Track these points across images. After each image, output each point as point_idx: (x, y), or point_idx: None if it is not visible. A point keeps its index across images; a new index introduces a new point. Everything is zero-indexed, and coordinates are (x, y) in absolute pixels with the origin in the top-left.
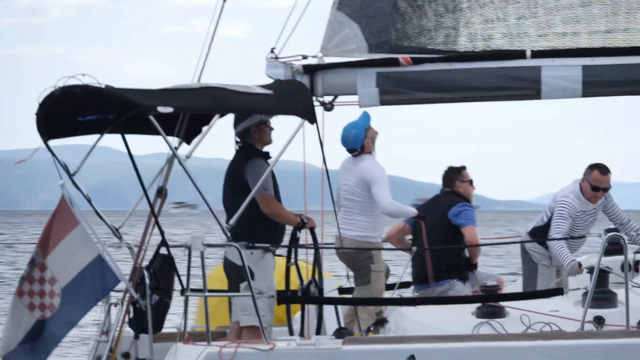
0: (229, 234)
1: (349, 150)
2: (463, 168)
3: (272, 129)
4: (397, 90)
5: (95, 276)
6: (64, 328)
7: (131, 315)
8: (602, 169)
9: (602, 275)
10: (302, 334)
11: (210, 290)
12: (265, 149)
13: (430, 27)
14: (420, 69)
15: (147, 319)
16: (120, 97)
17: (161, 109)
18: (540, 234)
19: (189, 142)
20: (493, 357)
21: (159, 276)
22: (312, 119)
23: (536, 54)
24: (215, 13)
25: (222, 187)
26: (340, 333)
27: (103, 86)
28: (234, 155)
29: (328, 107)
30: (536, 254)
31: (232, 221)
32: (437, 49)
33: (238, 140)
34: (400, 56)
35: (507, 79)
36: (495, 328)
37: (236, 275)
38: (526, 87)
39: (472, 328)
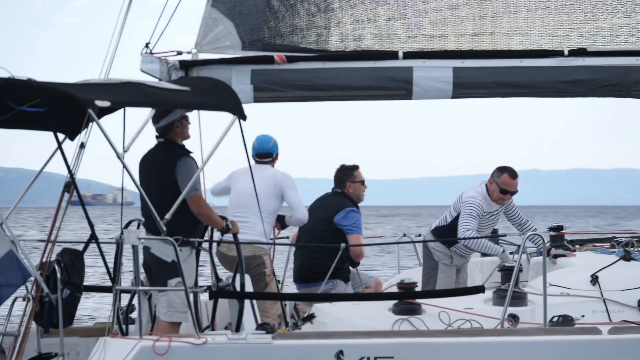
0: (164, 229)
1: (263, 155)
2: (355, 167)
3: (190, 123)
4: (271, 88)
5: (5, 271)
6: None
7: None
8: (512, 173)
9: (510, 273)
10: (237, 329)
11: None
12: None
13: (303, 26)
14: (294, 67)
15: (58, 313)
16: (55, 90)
17: (99, 103)
18: (443, 233)
19: (72, 139)
20: (419, 353)
21: (70, 270)
22: (244, 115)
23: (408, 55)
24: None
25: (142, 181)
26: (263, 328)
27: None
28: (155, 150)
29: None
30: (438, 253)
31: (167, 216)
32: (309, 47)
33: (157, 135)
34: (275, 54)
35: (380, 79)
36: (415, 325)
37: (163, 270)
38: (398, 87)
39: (392, 324)
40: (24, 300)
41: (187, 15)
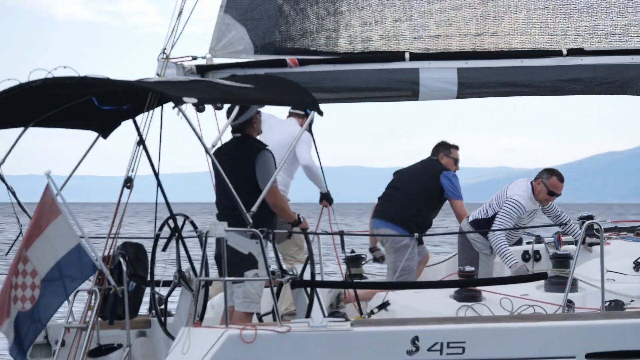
0: (251, 221)
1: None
2: (455, 146)
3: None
4: None
5: (72, 265)
6: (43, 318)
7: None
8: (560, 177)
9: (565, 261)
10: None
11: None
12: None
13: (313, 30)
14: (306, 70)
15: (124, 305)
16: (138, 87)
17: (187, 99)
18: (482, 225)
19: (105, 137)
20: (489, 338)
21: (135, 263)
22: (320, 111)
23: (414, 57)
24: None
25: (218, 175)
26: (335, 315)
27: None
28: (231, 145)
29: (200, 108)
30: (478, 244)
31: (254, 208)
32: (319, 50)
33: (234, 131)
34: (287, 57)
35: (388, 80)
36: (479, 311)
37: (242, 262)
38: (405, 88)
39: (456, 311)
40: (88, 293)
41: (197, 22)
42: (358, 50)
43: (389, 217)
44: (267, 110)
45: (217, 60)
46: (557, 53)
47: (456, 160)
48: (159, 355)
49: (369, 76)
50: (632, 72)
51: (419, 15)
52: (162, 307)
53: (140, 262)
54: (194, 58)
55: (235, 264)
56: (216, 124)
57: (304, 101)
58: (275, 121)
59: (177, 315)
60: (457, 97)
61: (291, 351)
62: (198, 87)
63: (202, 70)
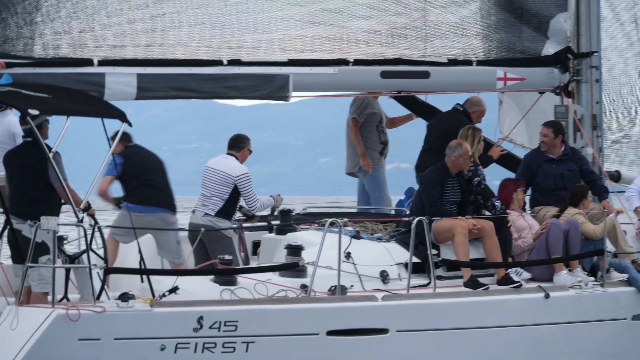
0: (79, 216)
1: None
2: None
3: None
4: None
5: None
6: None
7: None
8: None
9: (297, 251)
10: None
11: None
12: None
13: (13, 37)
14: (12, 72)
15: None
16: None
17: (31, 111)
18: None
19: None
20: (256, 318)
21: None
22: (129, 122)
23: (102, 63)
24: None
25: (10, 172)
26: (125, 297)
27: None
28: (23, 147)
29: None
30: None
31: (82, 205)
32: (18, 54)
33: (25, 135)
34: None
35: (78, 82)
36: (238, 294)
37: (34, 249)
38: (92, 90)
39: (220, 293)
40: None
41: None
42: (50, 56)
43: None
44: None
45: None
46: (219, 63)
47: None
48: None
49: (62, 78)
50: (279, 81)
51: (100, 27)
52: None
53: None
54: None
55: (26, 250)
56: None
57: (115, 113)
58: None
59: None
60: (136, 99)
61: (106, 327)
62: (30, 98)
63: None
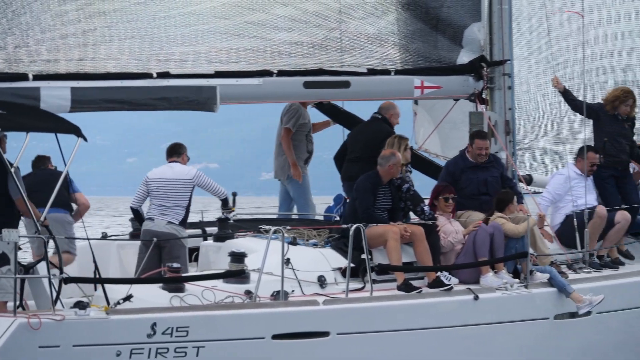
0: (39, 227)
1: None
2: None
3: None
4: None
5: None
6: None
7: None
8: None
9: (240, 257)
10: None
11: None
12: None
13: None
14: None
15: None
16: None
17: None
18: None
19: None
20: (205, 323)
21: None
22: (85, 137)
23: (37, 77)
24: None
25: None
26: (82, 305)
27: None
28: None
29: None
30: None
31: (42, 217)
32: None
33: None
34: None
35: (13, 96)
36: (187, 301)
37: None
38: (29, 103)
39: (169, 300)
40: None
41: None
42: None
43: None
44: None
45: None
46: (149, 75)
47: None
48: None
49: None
50: (207, 92)
51: (34, 43)
52: None
53: None
54: None
55: None
56: None
57: (70, 128)
58: None
59: None
60: (70, 111)
61: (65, 334)
62: None
63: None
